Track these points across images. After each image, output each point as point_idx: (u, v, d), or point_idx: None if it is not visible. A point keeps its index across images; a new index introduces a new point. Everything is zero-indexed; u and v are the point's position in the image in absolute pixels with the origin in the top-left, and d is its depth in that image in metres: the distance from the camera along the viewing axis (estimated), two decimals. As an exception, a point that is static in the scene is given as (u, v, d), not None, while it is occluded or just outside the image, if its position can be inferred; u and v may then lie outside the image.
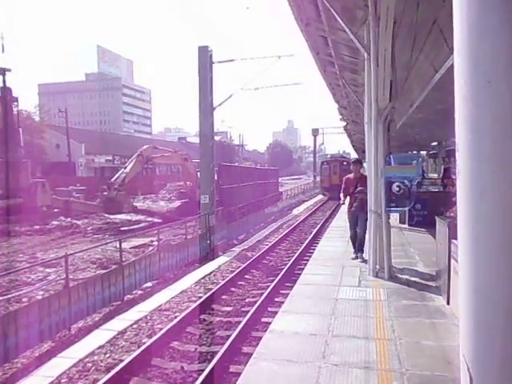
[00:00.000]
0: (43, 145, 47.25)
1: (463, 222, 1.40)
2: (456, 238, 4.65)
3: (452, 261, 5.37)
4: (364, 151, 12.47)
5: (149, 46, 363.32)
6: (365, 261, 8.33)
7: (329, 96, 16.28)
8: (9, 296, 9.94)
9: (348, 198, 9.04)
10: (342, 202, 9.76)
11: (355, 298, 6.31)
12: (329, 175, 38.30)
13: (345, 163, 36.99)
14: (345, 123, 26.62)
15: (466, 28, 1.39)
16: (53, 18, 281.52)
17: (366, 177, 8.15)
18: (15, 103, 27.29)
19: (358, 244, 8.87)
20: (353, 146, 44.58)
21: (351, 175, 9.08)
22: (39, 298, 9.36)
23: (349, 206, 8.88)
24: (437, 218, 6.68)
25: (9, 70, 26.65)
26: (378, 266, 7.50)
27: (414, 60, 8.59)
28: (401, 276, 7.51)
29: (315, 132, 66.93)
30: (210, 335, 7.75)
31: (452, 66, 1.60)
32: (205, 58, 15.77)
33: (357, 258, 8.79)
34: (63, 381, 6.32)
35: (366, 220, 8.00)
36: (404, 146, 26.81)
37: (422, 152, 33.67)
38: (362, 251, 8.81)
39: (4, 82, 26.42)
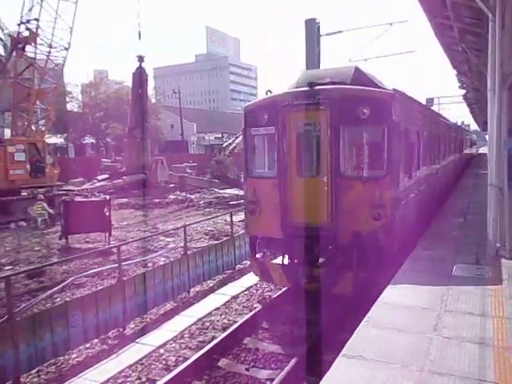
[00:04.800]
0: (159, 125, 50.88)
1: None
2: None
3: None
4: (486, 122, 11.41)
5: (255, 21, 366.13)
6: None
7: (444, 64, 15.16)
8: (135, 261, 11.15)
9: None
10: None
11: (472, 275, 6.00)
12: (285, 173, 7.30)
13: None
14: (464, 91, 24.54)
15: None
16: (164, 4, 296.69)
17: None
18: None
19: None
20: (473, 116, 41.08)
21: None
22: (161, 263, 10.36)
23: None
24: None
25: (144, 57, 29.40)
26: (498, 244, 7.01)
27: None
28: (525, 256, 6.94)
29: (429, 102, 62.14)
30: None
31: None
32: (312, 31, 15.57)
33: None
34: (185, 335, 7.08)
35: None
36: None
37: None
38: None
39: (141, 68, 29.29)
